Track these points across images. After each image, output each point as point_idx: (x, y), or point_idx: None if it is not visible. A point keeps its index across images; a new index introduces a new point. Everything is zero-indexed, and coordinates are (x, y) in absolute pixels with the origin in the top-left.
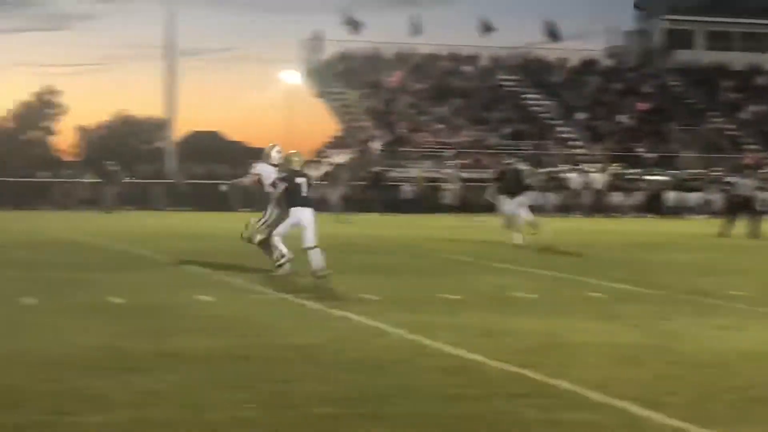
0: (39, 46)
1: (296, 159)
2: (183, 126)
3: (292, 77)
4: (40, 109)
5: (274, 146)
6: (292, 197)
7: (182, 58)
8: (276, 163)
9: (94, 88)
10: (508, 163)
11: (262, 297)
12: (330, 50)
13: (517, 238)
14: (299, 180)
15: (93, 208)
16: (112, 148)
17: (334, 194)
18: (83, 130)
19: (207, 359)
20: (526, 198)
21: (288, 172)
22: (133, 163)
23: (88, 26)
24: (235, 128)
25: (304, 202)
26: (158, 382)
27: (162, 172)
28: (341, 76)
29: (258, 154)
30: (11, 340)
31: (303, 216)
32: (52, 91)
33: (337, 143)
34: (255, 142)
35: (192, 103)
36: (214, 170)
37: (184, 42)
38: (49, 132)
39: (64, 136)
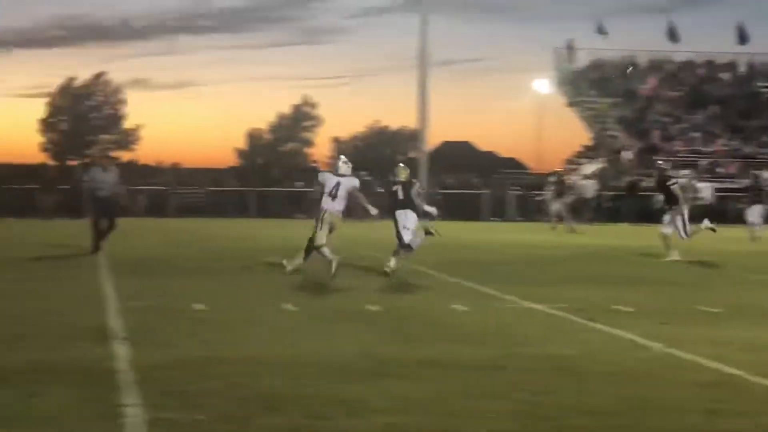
0: (297, 59)
1: (402, 171)
2: (435, 136)
3: (544, 86)
4: (298, 121)
5: (341, 157)
6: (391, 202)
7: (435, 68)
8: (342, 173)
9: (349, 100)
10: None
11: (514, 306)
12: (582, 58)
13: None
14: (395, 188)
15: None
16: (366, 158)
17: (557, 204)
18: (338, 141)
19: (462, 368)
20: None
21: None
22: (386, 173)
23: (343, 39)
24: (486, 138)
25: (402, 206)
26: (413, 390)
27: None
28: (593, 84)
29: (509, 164)
30: (272, 345)
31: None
32: (309, 104)
33: (588, 152)
34: (506, 152)
35: (444, 113)
36: (465, 180)
37: (437, 53)
38: (307, 143)
39: (320, 147)
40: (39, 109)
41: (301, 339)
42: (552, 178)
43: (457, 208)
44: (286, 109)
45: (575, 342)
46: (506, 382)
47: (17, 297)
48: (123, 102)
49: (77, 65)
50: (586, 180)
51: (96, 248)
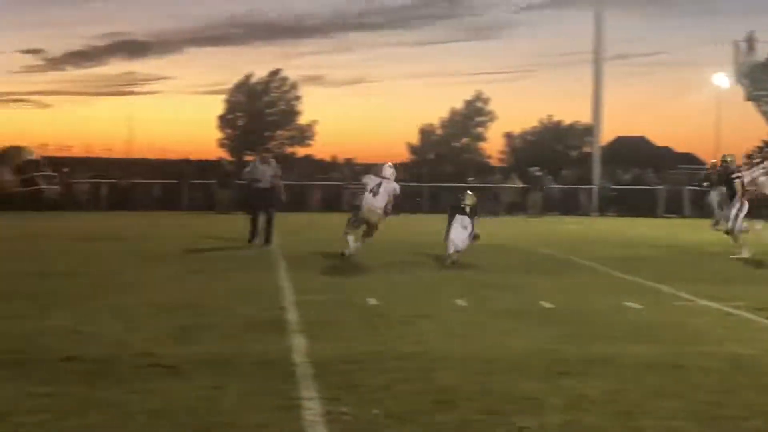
0: (469, 55)
1: (470, 197)
2: (609, 131)
3: (722, 81)
4: (471, 117)
5: (388, 164)
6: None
7: (609, 63)
8: (387, 176)
9: (522, 96)
10: None
11: (690, 305)
12: (763, 52)
13: None
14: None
15: (519, 213)
16: (538, 153)
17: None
18: (510, 137)
19: (637, 366)
20: None
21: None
22: (558, 168)
23: (516, 34)
24: (662, 133)
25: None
26: (589, 388)
27: (588, 177)
28: None
29: (685, 160)
30: (446, 341)
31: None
32: (482, 99)
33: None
34: (682, 148)
35: (618, 108)
36: (640, 176)
37: (611, 47)
38: (479, 138)
39: (492, 143)
40: (217, 106)
41: (474, 335)
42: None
43: (631, 204)
44: (458, 104)
45: (755, 341)
46: (683, 381)
47: (195, 290)
48: (298, 98)
49: (253, 63)
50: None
51: (251, 238)
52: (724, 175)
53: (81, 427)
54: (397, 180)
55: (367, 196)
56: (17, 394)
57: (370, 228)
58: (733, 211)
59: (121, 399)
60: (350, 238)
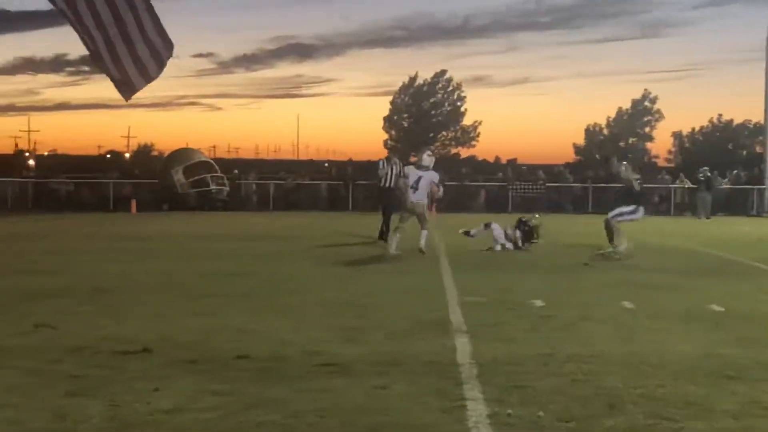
0: (636, 53)
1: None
2: None
3: None
4: (638, 116)
5: (427, 151)
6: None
7: None
8: (426, 165)
9: (690, 94)
10: None
11: None
12: None
13: None
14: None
15: (689, 214)
16: (708, 153)
17: None
18: (679, 136)
19: None
20: None
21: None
22: (729, 168)
23: (684, 32)
24: None
25: None
26: (762, 393)
27: (759, 177)
28: None
29: None
30: (613, 343)
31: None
32: (649, 98)
33: None
34: None
35: None
36: None
37: None
38: (647, 138)
39: (661, 142)
40: (383, 107)
41: (642, 338)
42: None
43: None
44: (625, 104)
45: None
46: None
47: (361, 290)
48: (463, 99)
49: (419, 64)
50: None
51: (380, 236)
52: None
53: (253, 425)
54: (558, 179)
55: (410, 192)
56: (193, 390)
57: (421, 221)
58: None
59: (290, 397)
60: (398, 236)
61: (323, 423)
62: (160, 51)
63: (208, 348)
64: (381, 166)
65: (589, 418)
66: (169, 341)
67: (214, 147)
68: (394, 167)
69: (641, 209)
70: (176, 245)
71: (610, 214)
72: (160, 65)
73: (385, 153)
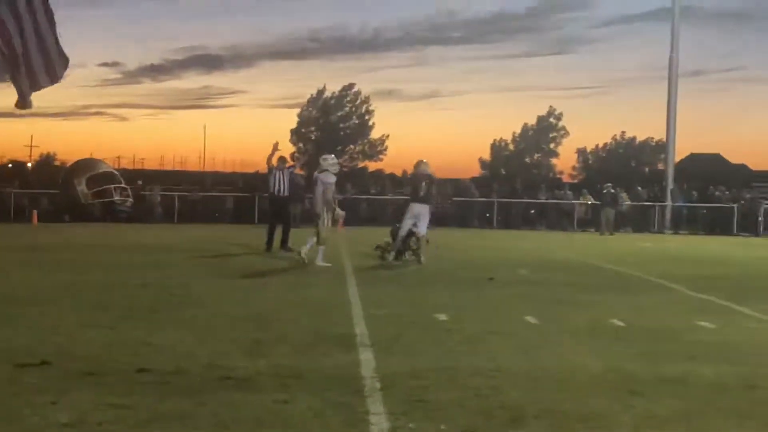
0: (543, 70)
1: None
2: (683, 148)
3: None
4: (544, 132)
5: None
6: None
7: (684, 79)
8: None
9: (596, 111)
10: None
11: (765, 326)
12: None
13: None
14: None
15: (590, 230)
16: (612, 169)
17: None
18: (583, 153)
19: (710, 386)
20: None
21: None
22: (631, 185)
23: (591, 49)
24: (737, 151)
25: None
26: (660, 407)
27: (660, 194)
28: None
29: (762, 178)
30: (516, 357)
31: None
32: (555, 115)
33: None
34: (760, 165)
35: (693, 124)
36: (713, 193)
37: (687, 63)
38: (552, 154)
39: (565, 158)
40: (291, 119)
41: (545, 352)
42: None
43: (705, 222)
44: (531, 120)
45: None
46: (758, 403)
47: (264, 303)
48: (371, 112)
49: (328, 76)
50: None
51: (267, 248)
52: None
53: None
54: (464, 194)
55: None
56: (92, 403)
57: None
58: None
59: (191, 411)
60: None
61: None
62: (55, 65)
63: (107, 361)
64: (272, 172)
65: (492, 431)
66: (67, 354)
67: (119, 158)
68: (283, 174)
69: None
70: (77, 256)
71: None
72: (53, 78)
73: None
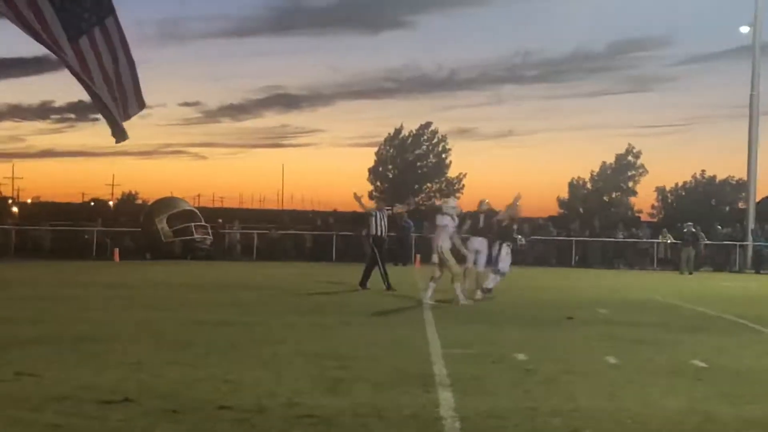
0: (622, 108)
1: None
2: (764, 187)
3: None
4: (622, 171)
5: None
6: None
7: (765, 117)
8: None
9: (675, 150)
10: None
11: None
12: None
13: None
14: None
15: (671, 269)
16: (691, 208)
17: None
18: (662, 191)
19: None
20: None
21: None
22: (712, 224)
23: (671, 87)
24: None
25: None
26: None
27: (741, 233)
28: None
29: None
30: (597, 398)
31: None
32: (633, 153)
33: None
34: None
35: None
36: None
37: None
38: (630, 192)
39: (644, 197)
40: (369, 158)
41: (626, 393)
42: None
43: None
44: (609, 158)
45: None
46: None
47: (344, 341)
48: (447, 151)
49: (405, 115)
50: None
51: (387, 287)
52: None
53: None
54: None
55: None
56: None
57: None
58: None
59: None
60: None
61: None
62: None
63: (189, 398)
64: (372, 214)
65: None
66: (150, 391)
67: (198, 196)
68: (382, 214)
69: None
70: (158, 294)
71: None
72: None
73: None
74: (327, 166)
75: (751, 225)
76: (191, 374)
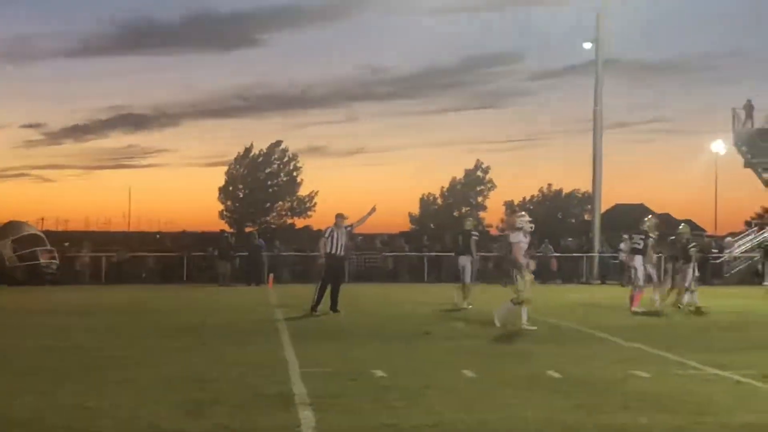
0: (472, 124)
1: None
2: (608, 198)
3: (720, 147)
4: (471, 186)
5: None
6: None
7: (609, 131)
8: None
9: (522, 164)
10: None
11: (698, 373)
12: (761, 119)
13: None
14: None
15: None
16: (539, 222)
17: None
18: (511, 205)
19: None
20: None
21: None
22: (559, 236)
23: (521, 103)
24: (661, 200)
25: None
26: None
27: (588, 245)
28: None
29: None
30: (456, 411)
31: None
32: (482, 168)
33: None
34: (682, 214)
35: (618, 175)
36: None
37: (612, 115)
38: (480, 207)
39: (493, 211)
40: (219, 177)
41: (485, 405)
42: None
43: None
44: (459, 173)
45: (766, 411)
46: None
47: (201, 363)
48: (299, 169)
49: (256, 134)
50: None
51: (314, 308)
52: None
53: None
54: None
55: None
56: None
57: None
58: None
59: None
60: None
61: None
62: None
63: (48, 426)
64: (327, 232)
65: None
66: (2, 419)
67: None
68: (339, 233)
69: None
70: (5, 321)
71: None
72: None
73: (221, 225)
74: (175, 186)
75: (597, 236)
76: (45, 402)
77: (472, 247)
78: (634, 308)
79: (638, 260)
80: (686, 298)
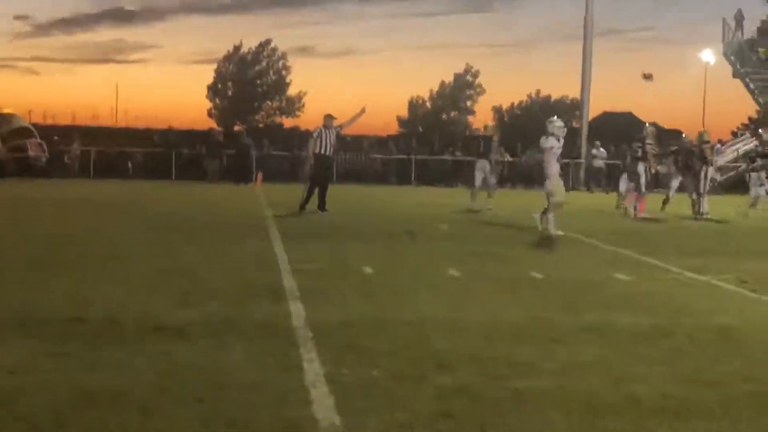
0: (462, 28)
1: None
2: (596, 106)
3: (709, 57)
4: (460, 90)
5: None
6: None
7: (599, 38)
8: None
9: (512, 69)
10: None
11: (677, 277)
12: (751, 29)
13: None
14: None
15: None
16: (526, 127)
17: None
18: (499, 110)
19: (628, 335)
20: None
21: None
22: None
23: (510, 8)
24: (649, 109)
25: None
26: (580, 354)
27: (575, 151)
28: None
29: (672, 135)
30: (440, 308)
31: None
32: (471, 73)
33: (756, 124)
34: (670, 123)
35: (607, 83)
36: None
37: (603, 22)
38: (468, 112)
39: (481, 116)
40: (207, 75)
41: (468, 304)
42: None
43: (617, 178)
44: (448, 77)
45: (741, 313)
46: (671, 350)
47: (193, 257)
48: (287, 69)
49: (244, 32)
50: None
51: (302, 207)
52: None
53: (90, 384)
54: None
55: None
56: (25, 352)
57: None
58: None
59: (128, 359)
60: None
61: (164, 382)
62: None
63: (39, 312)
64: (316, 133)
65: (421, 376)
66: None
67: (30, 112)
68: (330, 132)
69: None
70: None
71: None
72: None
73: (209, 122)
74: (163, 82)
75: (584, 143)
76: (41, 290)
77: (492, 153)
78: (641, 214)
79: (641, 167)
80: (705, 206)
